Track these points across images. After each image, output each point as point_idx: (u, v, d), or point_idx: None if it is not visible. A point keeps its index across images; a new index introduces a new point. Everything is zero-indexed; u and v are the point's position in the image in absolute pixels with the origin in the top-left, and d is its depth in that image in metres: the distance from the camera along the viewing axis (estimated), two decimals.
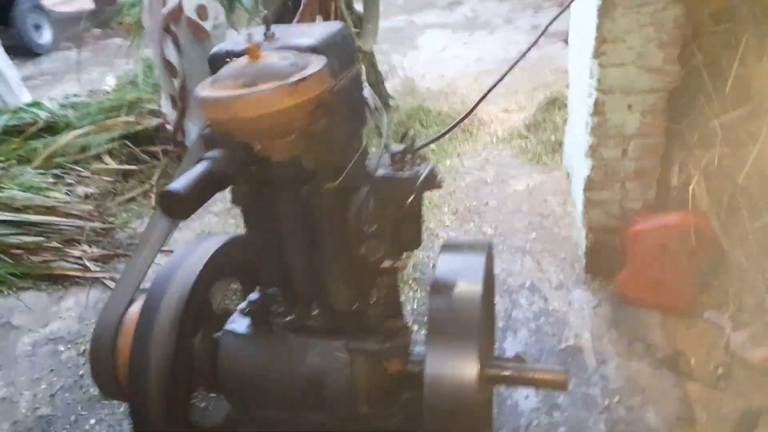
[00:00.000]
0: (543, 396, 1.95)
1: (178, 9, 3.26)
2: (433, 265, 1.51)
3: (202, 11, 3.33)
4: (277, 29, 1.11)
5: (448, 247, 1.41)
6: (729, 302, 2.06)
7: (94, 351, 1.50)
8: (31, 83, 6.27)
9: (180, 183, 0.95)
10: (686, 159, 2.10)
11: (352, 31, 3.43)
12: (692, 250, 2.05)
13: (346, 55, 1.15)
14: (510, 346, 2.19)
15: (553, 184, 3.24)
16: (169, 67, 3.45)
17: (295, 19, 2.54)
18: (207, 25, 3.39)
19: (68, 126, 4.18)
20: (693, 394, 1.86)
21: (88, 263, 3.02)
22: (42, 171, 3.69)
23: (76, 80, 5.62)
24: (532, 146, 3.69)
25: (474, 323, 1.18)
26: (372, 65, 4.37)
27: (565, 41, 5.62)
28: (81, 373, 2.33)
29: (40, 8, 8.03)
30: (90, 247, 3.15)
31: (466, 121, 4.23)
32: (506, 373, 1.30)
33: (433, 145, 3.89)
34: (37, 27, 7.95)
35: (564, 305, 2.35)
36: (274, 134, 0.94)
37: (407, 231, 1.23)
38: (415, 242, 1.28)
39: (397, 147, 1.22)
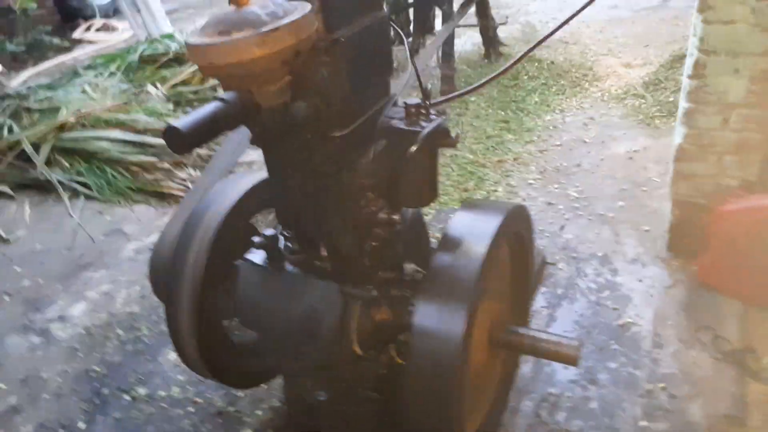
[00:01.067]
0: (585, 369, 1.86)
1: None
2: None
3: None
4: None
5: (467, 205, 1.37)
6: None
7: (153, 260, 1.69)
8: (174, 15, 6.78)
9: (184, 121, 1.01)
10: None
11: None
12: None
13: (364, 3, 1.12)
14: (562, 314, 2.10)
15: (659, 150, 2.95)
16: None
17: None
18: None
19: None
20: (752, 394, 1.68)
21: (190, 185, 3.32)
22: (166, 97, 4.08)
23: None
24: (647, 107, 3.36)
25: (471, 282, 1.15)
26: (484, 11, 4.16)
27: None
28: None
29: None
30: (195, 170, 3.45)
31: (578, 73, 3.95)
32: (510, 338, 1.27)
33: (535, 97, 3.70)
34: None
35: (634, 281, 2.18)
36: (254, 82, 0.96)
37: (414, 184, 1.21)
38: (426, 197, 1.26)
39: (413, 100, 1.19)
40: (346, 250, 1.25)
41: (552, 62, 4.14)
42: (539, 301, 2.16)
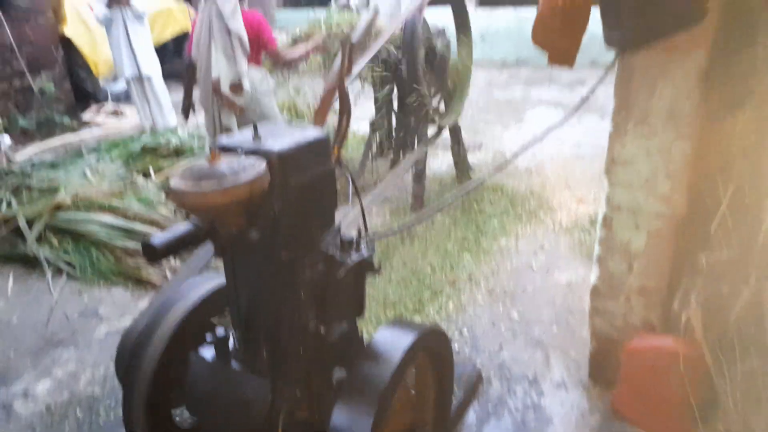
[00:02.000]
0: None
1: (217, 83, 3.81)
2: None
3: (234, 88, 3.83)
4: (264, 130, 1.45)
5: (390, 324, 1.63)
6: None
7: (120, 347, 1.90)
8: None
9: (159, 238, 1.30)
10: (690, 287, 2.11)
11: (434, 112, 3.75)
12: (682, 380, 2.04)
13: (315, 156, 1.45)
14: (489, 430, 2.29)
15: None
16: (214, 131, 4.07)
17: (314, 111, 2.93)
18: (240, 100, 3.90)
19: (191, 151, 4.94)
20: None
21: (168, 274, 3.56)
22: (160, 187, 4.41)
23: None
24: (590, 241, 3.71)
25: (380, 388, 1.38)
26: (457, 137, 4.64)
27: None
28: None
29: None
30: (175, 260, 3.70)
31: (536, 203, 4.35)
32: None
33: (495, 222, 4.06)
34: None
35: (557, 404, 2.40)
36: (216, 217, 1.26)
37: (341, 303, 1.48)
38: (352, 313, 1.52)
39: (348, 235, 1.49)
40: (282, 354, 1.49)
41: (515, 191, 4.56)
42: (470, 415, 2.36)
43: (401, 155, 4.65)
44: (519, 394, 2.47)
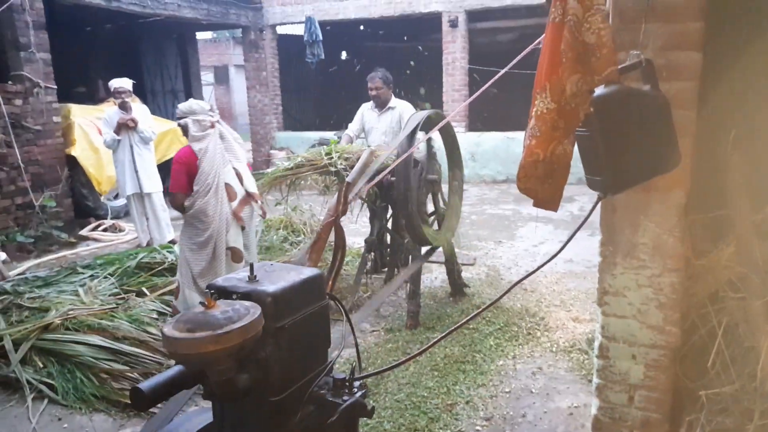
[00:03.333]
0: None
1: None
2: None
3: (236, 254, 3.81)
4: (261, 271, 1.48)
5: None
6: None
7: None
8: (177, 222, 7.44)
9: (148, 383, 1.28)
10: (696, 420, 2.05)
11: (427, 235, 3.84)
12: None
13: (310, 296, 1.47)
14: None
15: None
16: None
17: (306, 250, 3.02)
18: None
19: None
20: None
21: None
22: (153, 305, 4.36)
23: None
24: (589, 363, 3.64)
25: None
26: (451, 255, 4.70)
27: None
28: None
29: None
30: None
31: (532, 322, 4.32)
32: None
33: (491, 341, 4.00)
34: None
35: None
36: (206, 365, 1.25)
37: None
38: None
39: (339, 375, 1.47)
40: None
41: (510, 308, 4.54)
42: None
43: (396, 271, 4.69)
44: None
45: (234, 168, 3.77)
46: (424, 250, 4.39)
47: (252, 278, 1.45)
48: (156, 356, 3.76)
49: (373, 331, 4.38)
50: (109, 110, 6.34)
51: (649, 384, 2.11)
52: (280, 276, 1.48)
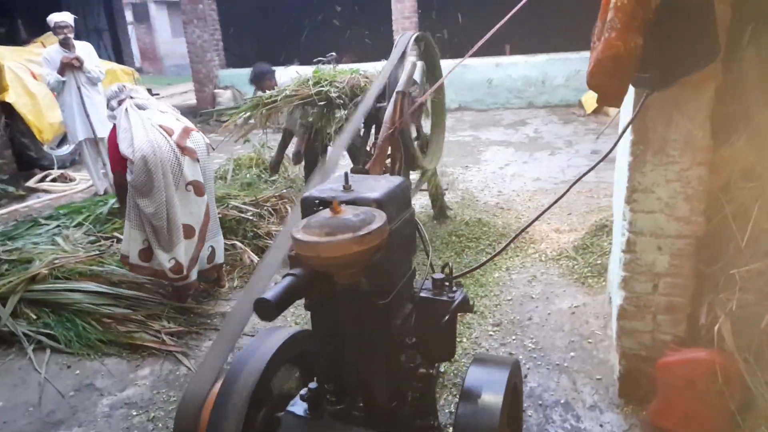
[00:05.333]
0: None
1: None
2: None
3: None
4: (353, 180, 1.48)
5: (478, 360, 1.65)
6: None
7: (179, 422, 1.79)
8: None
9: (271, 293, 1.28)
10: (714, 300, 2.27)
11: (418, 156, 3.87)
12: (719, 388, 2.16)
13: (403, 202, 1.50)
14: None
15: (596, 306, 3.40)
16: None
17: (368, 164, 3.00)
18: None
19: None
20: None
21: (165, 337, 3.39)
22: None
23: None
24: (579, 267, 3.89)
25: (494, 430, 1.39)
26: (434, 180, 4.78)
27: None
28: None
29: None
30: (168, 322, 3.53)
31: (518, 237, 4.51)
32: None
33: (483, 257, 4.17)
34: None
35: (596, 426, 2.46)
36: (343, 267, 1.27)
37: (442, 344, 1.50)
38: (448, 353, 1.54)
39: (438, 275, 1.52)
40: (382, 400, 1.48)
41: (493, 225, 4.72)
42: None
43: None
44: (557, 421, 2.52)
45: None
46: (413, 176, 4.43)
47: (348, 187, 1.44)
48: (156, 298, 3.69)
49: None
50: (50, 49, 5.82)
51: (674, 271, 2.29)
52: (372, 185, 1.48)
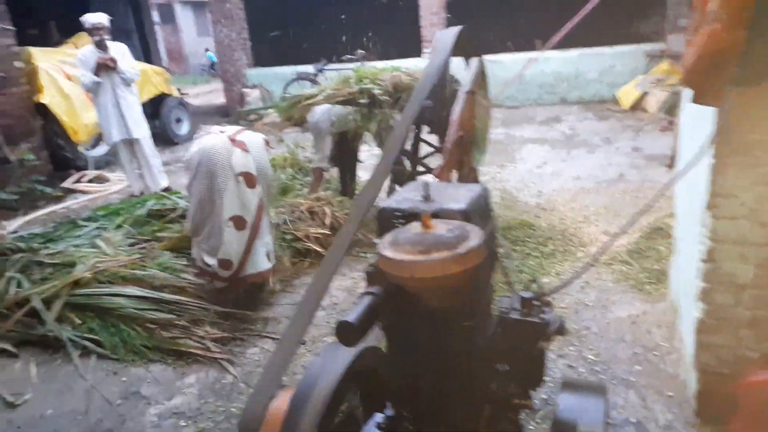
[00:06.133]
0: None
1: None
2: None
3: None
4: (432, 189, 1.36)
5: (568, 386, 1.52)
6: None
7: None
8: (166, 168, 7.06)
9: (353, 315, 1.18)
10: None
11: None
12: None
13: (486, 213, 1.38)
14: None
15: (657, 315, 3.24)
16: None
17: (435, 171, 2.87)
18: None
19: None
20: None
21: (209, 343, 3.33)
22: (175, 254, 4.16)
23: None
24: (635, 273, 3.72)
25: None
26: (474, 176, 4.64)
27: (668, 166, 5.70)
28: None
29: (183, 104, 9.22)
30: (211, 328, 3.47)
31: (564, 239, 4.35)
32: None
33: (531, 261, 4.03)
34: (179, 120, 9.10)
35: None
36: (438, 289, 1.16)
37: (533, 370, 1.38)
38: (538, 380, 1.42)
39: (526, 293, 1.40)
40: (464, 427, 1.36)
41: (538, 227, 4.56)
42: None
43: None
44: None
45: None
46: None
47: (428, 197, 1.33)
48: (199, 302, 3.63)
49: None
50: (84, 50, 5.81)
51: (760, 283, 2.13)
52: (454, 194, 1.37)
